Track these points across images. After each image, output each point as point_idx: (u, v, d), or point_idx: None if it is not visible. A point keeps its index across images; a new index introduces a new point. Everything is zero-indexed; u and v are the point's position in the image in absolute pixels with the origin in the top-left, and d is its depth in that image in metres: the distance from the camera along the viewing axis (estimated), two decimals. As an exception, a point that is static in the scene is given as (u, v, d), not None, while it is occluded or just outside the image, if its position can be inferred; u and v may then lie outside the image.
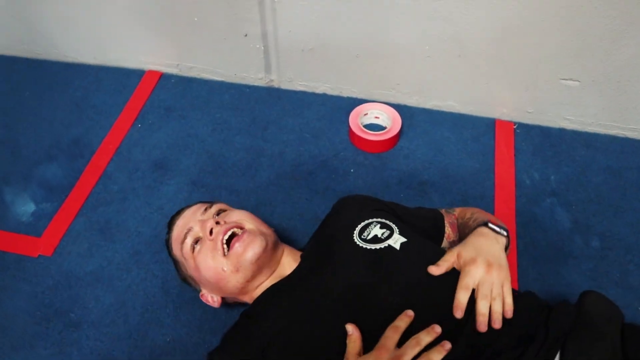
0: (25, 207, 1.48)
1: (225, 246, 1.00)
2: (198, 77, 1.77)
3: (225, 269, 1.00)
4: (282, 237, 1.19)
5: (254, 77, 1.71)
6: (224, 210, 1.09)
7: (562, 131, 1.57)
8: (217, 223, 1.02)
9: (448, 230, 1.14)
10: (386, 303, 0.89)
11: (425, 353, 0.80)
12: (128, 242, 1.39)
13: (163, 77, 1.78)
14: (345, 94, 1.67)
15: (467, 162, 1.50)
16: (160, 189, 1.49)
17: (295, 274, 1.03)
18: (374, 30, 1.47)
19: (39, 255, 1.38)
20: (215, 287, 1.06)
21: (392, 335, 0.83)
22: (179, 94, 1.74)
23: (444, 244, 1.14)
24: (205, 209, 1.08)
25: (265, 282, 1.04)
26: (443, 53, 1.47)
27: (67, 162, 1.58)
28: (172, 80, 1.77)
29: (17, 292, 1.32)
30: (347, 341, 0.85)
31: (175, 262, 1.13)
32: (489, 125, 1.58)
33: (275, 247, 1.06)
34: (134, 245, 1.38)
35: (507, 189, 1.44)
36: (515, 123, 1.58)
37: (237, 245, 0.99)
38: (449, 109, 1.61)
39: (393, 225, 1.01)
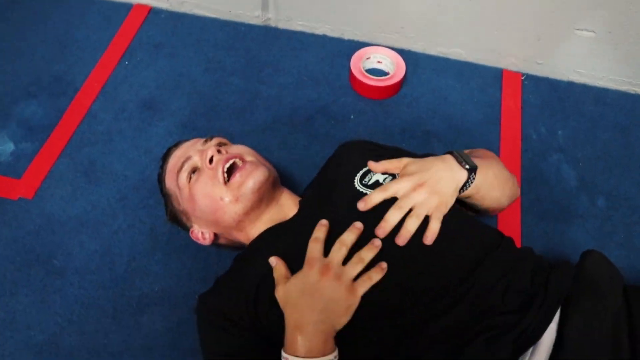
0: (4, 147, 1.39)
1: (225, 175, 0.96)
2: (190, 12, 1.65)
3: (224, 198, 0.95)
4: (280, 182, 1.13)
5: (250, 14, 1.61)
6: (225, 144, 1.05)
7: (571, 85, 1.50)
8: (219, 152, 0.98)
9: None
10: (385, 253, 0.85)
11: (366, 273, 0.82)
12: (114, 185, 1.32)
13: (152, 12, 1.66)
14: (347, 36, 1.58)
15: (473, 113, 1.44)
16: (149, 131, 1.41)
17: (294, 219, 0.99)
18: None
19: (19, 198, 1.30)
20: (210, 220, 1.00)
21: (314, 246, 0.85)
22: (169, 30, 1.62)
23: None
24: (205, 141, 1.04)
25: (263, 218, 1.00)
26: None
27: (49, 101, 1.47)
28: (162, 16, 1.65)
29: (-4, 236, 1.25)
30: (273, 272, 0.86)
31: (167, 198, 1.07)
32: (496, 75, 1.51)
33: (275, 182, 1.01)
34: (120, 190, 1.31)
35: (512, 142, 1.38)
36: (523, 74, 1.51)
37: (238, 175, 0.95)
38: (455, 57, 1.53)
39: (397, 175, 0.94)
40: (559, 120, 1.43)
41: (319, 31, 1.59)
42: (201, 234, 1.05)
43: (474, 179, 0.90)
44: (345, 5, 1.49)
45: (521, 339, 0.79)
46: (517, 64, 1.50)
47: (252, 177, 0.94)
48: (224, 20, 1.64)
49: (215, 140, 1.04)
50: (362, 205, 0.88)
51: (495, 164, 1.00)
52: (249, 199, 0.95)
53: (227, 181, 0.95)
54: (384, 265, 0.82)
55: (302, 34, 1.60)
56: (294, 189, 1.21)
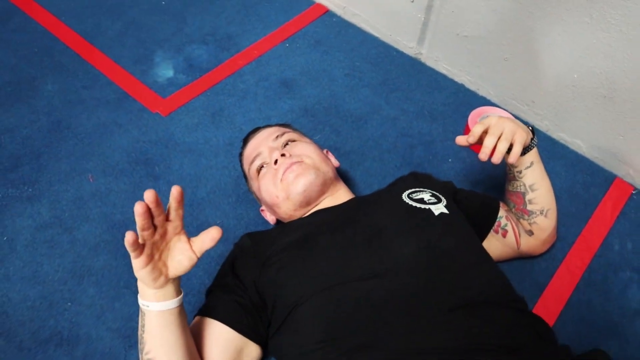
0: (166, 72, 1.68)
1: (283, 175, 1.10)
2: (357, 25, 1.84)
3: (278, 195, 1.10)
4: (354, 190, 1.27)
5: (406, 44, 1.75)
6: (293, 141, 1.18)
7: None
8: (283, 155, 1.11)
9: (504, 221, 1.14)
10: (400, 252, 0.91)
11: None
12: (228, 132, 1.53)
13: (327, 14, 1.88)
14: (482, 92, 1.65)
15: (565, 202, 1.42)
16: (276, 103, 1.60)
17: (338, 206, 1.10)
18: (528, 40, 1.43)
19: (156, 112, 1.56)
20: (271, 209, 1.18)
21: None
22: (333, 32, 1.83)
23: (493, 238, 1.14)
24: (277, 137, 1.18)
25: (315, 207, 1.13)
26: (589, 88, 1.39)
27: (215, 50, 1.75)
28: (334, 19, 1.87)
29: (126, 133, 1.52)
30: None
31: (245, 176, 1.26)
32: (607, 179, 1.47)
33: (326, 183, 1.12)
34: (231, 136, 1.51)
35: (590, 242, 1.34)
36: (635, 189, 1.46)
37: (288, 174, 1.08)
38: (574, 147, 1.53)
39: (442, 198, 1.03)
40: (652, 246, 1.37)
41: (459, 79, 1.68)
42: (268, 214, 1.24)
43: (534, 145, 1.08)
44: (490, 63, 1.57)
45: None
46: (635, 177, 1.46)
47: (301, 178, 1.07)
48: (382, 41, 1.80)
49: (285, 138, 1.18)
50: (469, 139, 1.03)
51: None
52: (297, 198, 1.08)
53: (281, 179, 1.09)
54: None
55: (443, 76, 1.70)
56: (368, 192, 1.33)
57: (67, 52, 1.73)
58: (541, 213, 1.14)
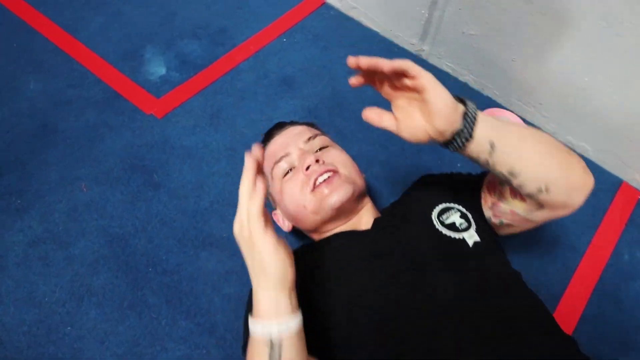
0: (158, 69, 1.57)
1: (315, 184, 0.99)
2: (356, 18, 1.77)
3: (307, 206, 0.99)
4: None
5: (407, 40, 1.69)
6: (326, 147, 1.07)
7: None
8: (317, 161, 1.00)
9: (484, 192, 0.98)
10: (436, 293, 0.84)
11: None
12: (228, 135, 1.44)
13: (324, 6, 1.80)
14: (486, 92, 1.61)
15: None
16: (278, 103, 1.53)
17: (365, 233, 1.00)
18: (538, 41, 1.39)
19: (151, 114, 1.47)
20: (291, 217, 1.06)
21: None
22: (332, 26, 1.75)
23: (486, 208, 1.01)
24: (309, 139, 1.07)
25: (339, 226, 1.04)
26: (600, 91, 1.36)
27: (209, 46, 1.65)
28: (332, 12, 1.79)
29: (119, 136, 1.42)
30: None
31: None
32: (614, 183, 1.46)
33: (359, 198, 1.04)
34: (232, 141, 1.43)
35: (600, 253, 1.32)
36: (643, 193, 1.46)
37: (323, 187, 0.97)
38: (580, 150, 1.50)
39: (471, 219, 0.95)
40: (662, 252, 1.37)
41: (463, 78, 1.63)
42: (282, 219, 1.12)
43: (469, 134, 0.73)
44: (496, 63, 1.52)
45: None
46: (642, 181, 1.45)
47: (336, 193, 0.96)
48: (382, 37, 1.73)
49: (318, 142, 1.07)
50: (361, 62, 0.75)
51: (533, 132, 0.82)
52: (327, 214, 0.98)
53: (313, 189, 0.98)
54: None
55: (446, 74, 1.65)
56: (377, 200, 1.27)
57: (48, 46, 1.60)
58: (539, 192, 0.81)
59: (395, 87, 0.78)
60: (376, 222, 1.01)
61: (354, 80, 0.78)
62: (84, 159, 1.38)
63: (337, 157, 1.04)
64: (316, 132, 1.11)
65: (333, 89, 1.58)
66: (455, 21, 1.53)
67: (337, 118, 1.51)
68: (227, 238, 1.27)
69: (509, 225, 0.97)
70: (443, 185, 1.05)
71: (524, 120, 1.52)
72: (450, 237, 0.91)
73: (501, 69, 1.53)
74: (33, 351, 1.10)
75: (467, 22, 1.51)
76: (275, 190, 1.07)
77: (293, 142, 1.06)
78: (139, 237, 1.26)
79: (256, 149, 0.78)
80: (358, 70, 0.77)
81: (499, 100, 1.59)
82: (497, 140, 0.75)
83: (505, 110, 1.52)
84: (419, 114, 0.75)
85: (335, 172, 1.00)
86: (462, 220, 0.94)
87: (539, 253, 1.31)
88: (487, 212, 0.98)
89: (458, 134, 0.73)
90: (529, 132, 0.81)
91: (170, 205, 1.31)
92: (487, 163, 0.77)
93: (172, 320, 1.16)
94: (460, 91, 1.62)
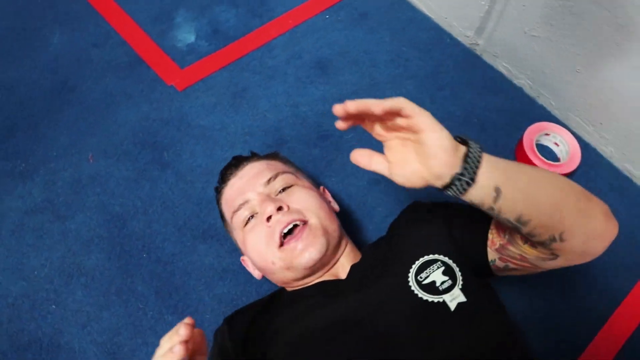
0: (187, 35, 1.48)
1: (282, 237, 0.87)
2: (409, 0, 1.61)
3: (275, 262, 0.88)
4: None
5: (462, 32, 1.52)
6: (290, 186, 0.95)
7: None
8: (279, 209, 0.88)
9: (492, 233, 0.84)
10: None
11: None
12: (249, 118, 1.35)
13: (377, -18, 1.64)
14: (541, 101, 1.43)
15: (623, 248, 1.24)
16: (307, 88, 1.41)
17: (340, 284, 0.89)
18: (609, 54, 1.20)
19: (172, 85, 1.38)
20: (259, 268, 0.96)
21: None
22: (382, 6, 1.58)
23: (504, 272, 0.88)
24: (269, 180, 0.94)
25: (313, 279, 0.92)
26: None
27: (245, 16, 1.53)
28: (384, -10, 1.63)
29: (135, 107, 1.35)
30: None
31: (221, 217, 1.03)
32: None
33: (335, 248, 0.92)
34: (251, 125, 1.33)
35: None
36: None
37: (293, 244, 0.86)
38: (637, 181, 1.33)
39: (457, 274, 0.81)
40: None
41: (517, 82, 1.46)
42: (252, 267, 1.01)
43: (470, 178, 0.64)
44: (557, 71, 1.35)
45: None
46: None
47: (308, 250, 0.85)
48: (435, 23, 1.56)
49: (280, 182, 0.94)
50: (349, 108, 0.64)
51: (547, 175, 0.71)
52: (300, 272, 0.88)
53: (282, 244, 0.87)
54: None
55: (500, 75, 1.48)
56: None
57: (79, -1, 1.53)
58: (552, 240, 0.71)
59: (388, 127, 0.68)
60: (352, 271, 0.89)
61: (341, 125, 0.67)
62: (96, 126, 1.32)
63: (304, 201, 0.92)
64: (277, 169, 0.98)
65: (371, 80, 1.44)
66: (518, 18, 1.35)
67: (369, 112, 1.38)
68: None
69: (513, 269, 0.83)
70: (435, 221, 0.89)
71: (578, 139, 1.35)
72: (427, 300, 0.77)
73: (563, 79, 1.35)
74: (14, 325, 1.08)
75: (530, 21, 1.33)
76: (239, 240, 0.96)
77: (251, 185, 0.95)
78: (138, 219, 1.20)
79: (185, 330, 0.65)
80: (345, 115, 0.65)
81: (554, 112, 1.42)
82: (504, 185, 0.65)
83: (556, 125, 1.35)
84: (413, 156, 0.66)
85: (304, 222, 0.88)
86: (445, 278, 0.80)
87: (570, 294, 1.17)
88: (492, 255, 0.83)
89: (458, 178, 0.64)
90: (541, 175, 0.70)
91: (176, 189, 1.24)
92: (492, 209, 0.67)
93: (159, 313, 1.11)
94: (513, 94, 1.45)
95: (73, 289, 1.12)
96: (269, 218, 0.88)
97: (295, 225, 0.87)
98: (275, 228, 0.86)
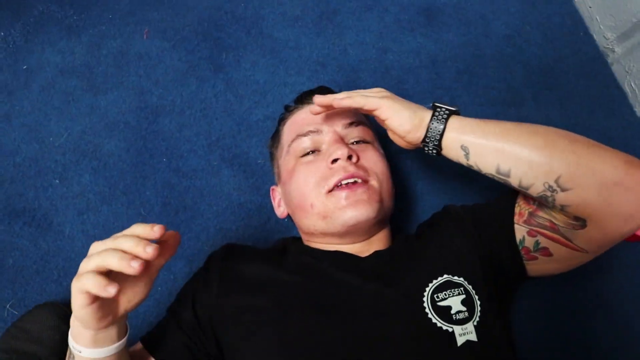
0: None
1: (336, 186, 0.78)
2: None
3: (314, 206, 0.79)
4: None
5: (601, 30, 1.25)
6: (366, 142, 0.86)
7: None
8: (349, 158, 0.79)
9: (529, 238, 0.75)
10: None
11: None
12: (327, 47, 1.19)
13: None
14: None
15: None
16: (404, 35, 1.21)
17: (359, 263, 0.79)
18: None
19: None
20: (291, 207, 0.86)
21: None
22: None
23: (535, 265, 0.77)
24: (351, 124, 0.85)
25: (337, 244, 0.82)
26: None
27: None
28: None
29: None
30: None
31: (276, 138, 0.92)
32: None
33: (378, 224, 0.82)
34: (326, 56, 1.18)
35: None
36: None
37: (344, 194, 0.77)
38: None
39: (477, 308, 0.71)
40: None
41: (638, 110, 1.22)
42: (279, 201, 0.93)
43: (434, 145, 0.73)
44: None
45: None
46: None
47: (356, 207, 0.77)
48: (575, 9, 1.29)
49: (359, 132, 0.85)
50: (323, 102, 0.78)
51: (522, 124, 0.70)
52: (333, 226, 0.79)
53: (330, 190, 0.78)
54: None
55: (623, 96, 1.21)
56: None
57: None
58: (552, 190, 0.66)
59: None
60: (375, 256, 0.80)
61: (315, 110, 0.81)
62: (163, 1, 1.18)
63: (375, 162, 0.83)
64: (362, 120, 0.88)
65: (477, 49, 1.22)
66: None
67: (459, 90, 1.18)
68: (261, 167, 1.07)
69: (545, 250, 0.73)
70: (464, 231, 0.79)
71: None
72: (435, 324, 0.68)
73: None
74: (14, 187, 1.02)
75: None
76: (285, 167, 0.86)
77: (330, 119, 0.85)
78: (172, 118, 1.09)
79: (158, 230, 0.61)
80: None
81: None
82: (471, 143, 0.70)
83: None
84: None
85: (365, 181, 0.79)
86: (463, 308, 0.71)
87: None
88: (520, 231, 0.75)
89: (424, 147, 0.74)
90: (517, 125, 0.69)
91: (221, 98, 1.11)
92: (471, 166, 0.72)
93: (159, 227, 1.02)
94: (630, 125, 1.20)
95: (82, 170, 1.04)
96: (334, 160, 0.80)
97: (355, 182, 0.79)
98: (336, 174, 0.79)
